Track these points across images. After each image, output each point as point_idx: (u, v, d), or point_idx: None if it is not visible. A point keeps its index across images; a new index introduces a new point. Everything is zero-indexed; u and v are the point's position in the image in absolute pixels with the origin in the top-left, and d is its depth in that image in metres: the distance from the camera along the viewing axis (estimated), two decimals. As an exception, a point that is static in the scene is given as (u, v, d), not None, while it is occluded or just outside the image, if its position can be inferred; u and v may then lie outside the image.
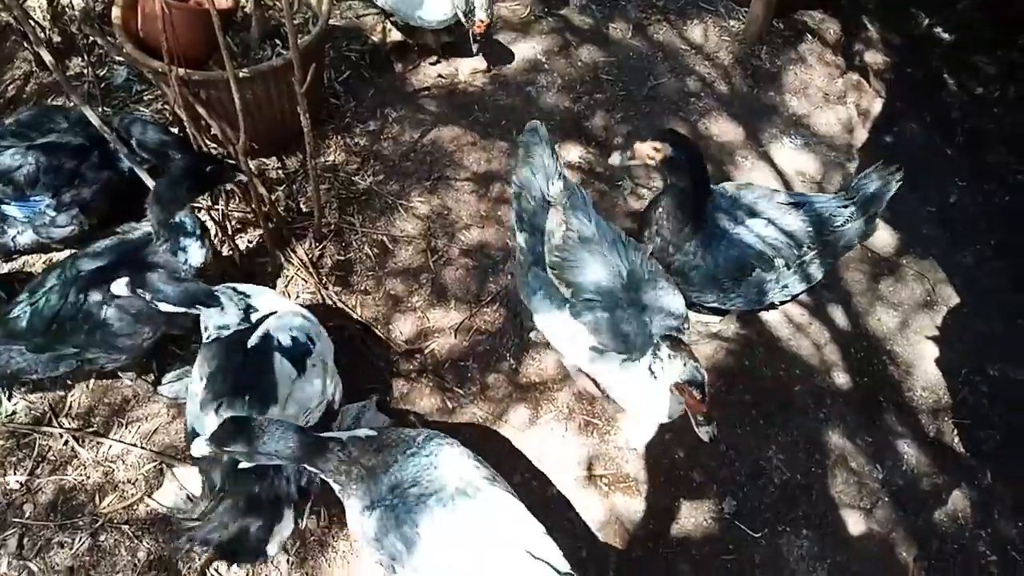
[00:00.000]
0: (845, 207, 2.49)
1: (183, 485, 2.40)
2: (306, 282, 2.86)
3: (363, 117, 3.40)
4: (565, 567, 1.84)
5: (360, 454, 1.87)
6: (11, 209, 2.61)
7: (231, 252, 2.85)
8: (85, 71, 3.35)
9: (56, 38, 3.42)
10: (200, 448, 1.74)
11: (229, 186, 2.84)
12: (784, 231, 2.41)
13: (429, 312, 2.87)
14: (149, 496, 2.38)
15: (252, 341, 2.08)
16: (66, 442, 2.49)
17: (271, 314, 2.18)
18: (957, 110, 3.79)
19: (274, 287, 2.85)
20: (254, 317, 2.18)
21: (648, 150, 2.28)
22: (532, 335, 2.81)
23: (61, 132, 2.61)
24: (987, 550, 2.48)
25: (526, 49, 3.76)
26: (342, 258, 2.96)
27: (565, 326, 2.28)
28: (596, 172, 3.31)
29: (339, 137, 3.31)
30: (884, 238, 3.23)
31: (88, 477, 2.43)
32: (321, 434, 1.88)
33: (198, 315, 2.57)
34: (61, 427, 2.51)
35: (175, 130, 2.81)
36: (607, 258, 2.23)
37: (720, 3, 4.07)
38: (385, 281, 2.92)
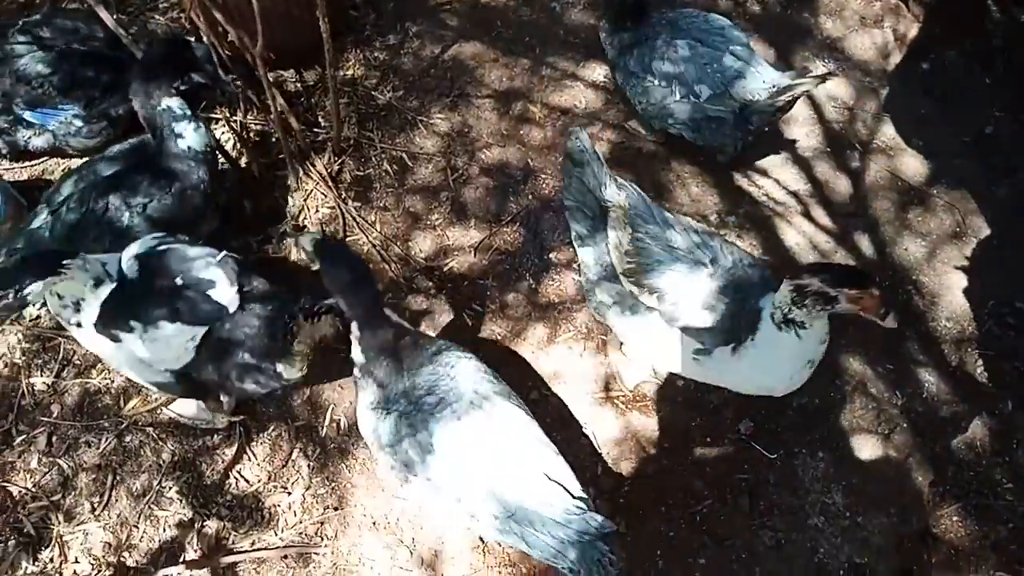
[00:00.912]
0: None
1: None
2: (325, 196, 2.83)
3: (383, 30, 3.30)
4: (578, 490, 1.84)
5: (393, 344, 1.92)
6: (32, 116, 2.59)
7: (250, 163, 2.81)
8: (99, -23, 3.26)
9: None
10: (307, 241, 2.01)
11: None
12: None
13: (448, 230, 2.84)
14: (167, 407, 2.42)
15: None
16: (90, 347, 2.52)
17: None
18: (999, 38, 3.62)
19: (293, 201, 2.83)
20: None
21: None
22: (552, 255, 2.78)
23: (97, 42, 2.57)
24: (1004, 478, 2.48)
25: (552, -36, 3.62)
26: (361, 174, 2.92)
27: (659, 335, 2.15)
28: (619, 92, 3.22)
29: (358, 50, 3.23)
30: (915, 166, 3.14)
31: (112, 381, 2.47)
32: None
33: (217, 225, 2.59)
34: (84, 332, 2.54)
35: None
36: (684, 251, 2.11)
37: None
38: (404, 198, 2.89)
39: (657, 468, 2.41)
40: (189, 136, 2.33)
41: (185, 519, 2.27)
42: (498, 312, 2.67)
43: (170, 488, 2.33)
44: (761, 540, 2.33)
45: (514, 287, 2.73)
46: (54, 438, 2.37)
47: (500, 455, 1.86)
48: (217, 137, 2.75)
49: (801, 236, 2.90)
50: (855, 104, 3.30)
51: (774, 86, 2.53)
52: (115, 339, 1.98)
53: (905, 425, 2.55)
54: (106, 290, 1.97)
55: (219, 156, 2.64)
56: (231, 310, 2.03)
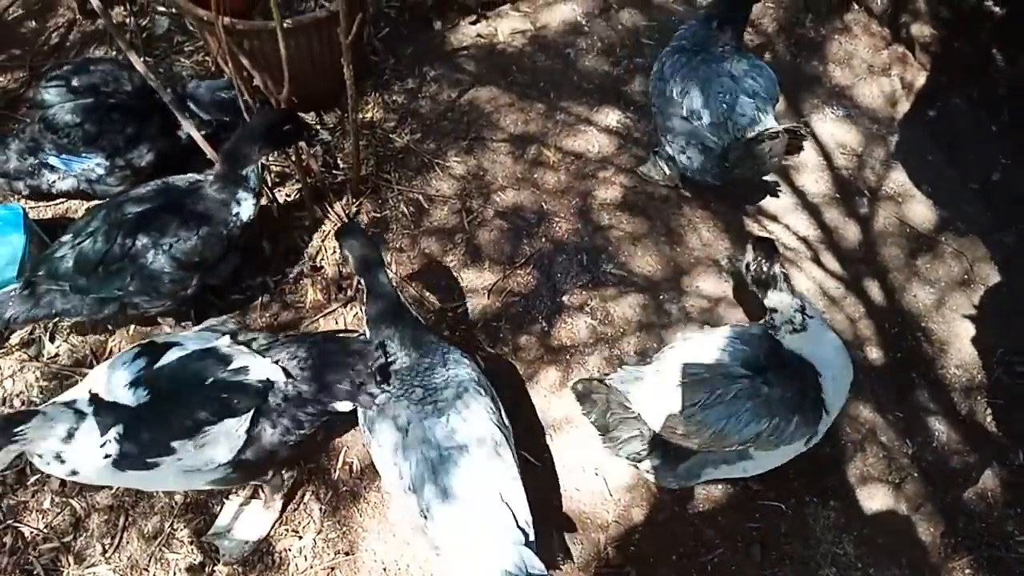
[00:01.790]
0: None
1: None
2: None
3: (402, 75, 3.38)
4: (526, 518, 1.91)
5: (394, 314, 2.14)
6: (57, 161, 2.65)
7: (270, 203, 2.87)
8: (127, 20, 3.35)
9: (97, -14, 3.42)
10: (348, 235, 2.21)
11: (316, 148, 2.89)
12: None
13: (463, 272, 2.88)
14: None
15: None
16: (107, 385, 2.54)
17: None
18: (1004, 87, 3.68)
19: (311, 241, 2.87)
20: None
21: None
22: (565, 299, 2.81)
23: (124, 94, 2.64)
24: (1016, 530, 2.48)
25: (566, 11, 3.71)
26: (378, 215, 2.97)
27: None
28: (634, 137, 3.28)
29: (377, 94, 3.30)
30: (923, 213, 3.18)
31: (128, 420, 2.48)
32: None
33: (238, 263, 2.63)
34: (102, 370, 2.57)
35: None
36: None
37: (766, -33, 3.98)
38: (420, 239, 2.93)
39: (668, 516, 2.42)
40: (244, 208, 2.42)
41: (195, 563, 2.27)
42: (511, 354, 2.70)
43: (181, 530, 2.33)
44: (773, 590, 2.33)
45: (527, 330, 2.76)
46: (69, 477, 2.39)
47: (466, 461, 1.94)
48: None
49: (811, 282, 2.93)
50: (864, 151, 3.35)
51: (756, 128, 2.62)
52: (150, 467, 1.85)
53: (916, 474, 2.55)
54: (89, 428, 1.79)
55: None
56: (276, 378, 1.97)
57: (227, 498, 2.35)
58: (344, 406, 2.05)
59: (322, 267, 2.82)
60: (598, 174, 3.15)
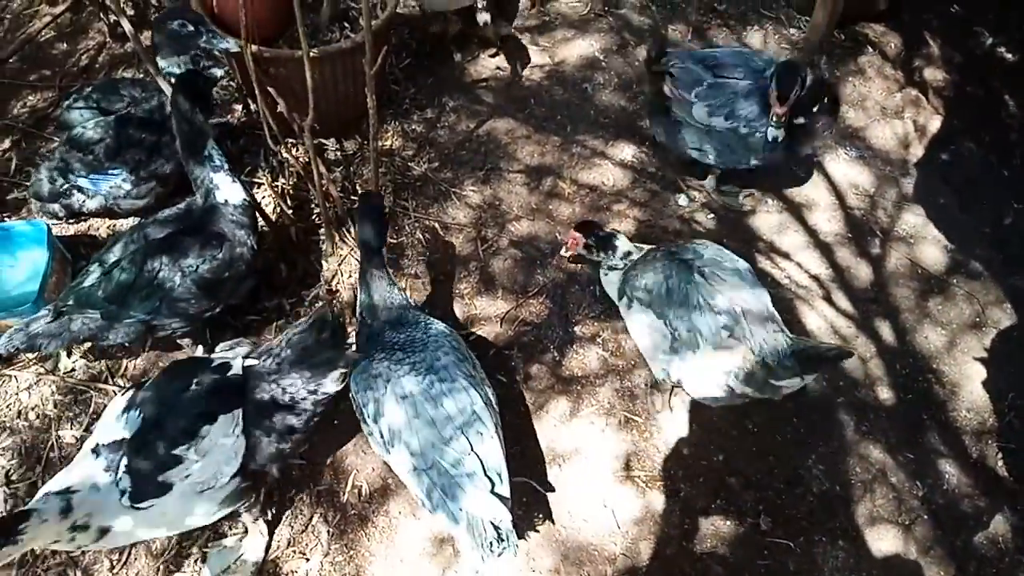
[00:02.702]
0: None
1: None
2: (359, 262, 2.91)
3: (421, 104, 3.45)
4: (498, 467, 2.00)
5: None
6: (86, 182, 2.70)
7: (287, 227, 2.91)
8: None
9: (130, 11, 3.51)
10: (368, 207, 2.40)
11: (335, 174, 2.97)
12: None
13: (476, 300, 2.90)
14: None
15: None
16: (121, 401, 2.57)
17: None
18: (1016, 132, 3.73)
19: (328, 265, 2.91)
20: None
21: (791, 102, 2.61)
22: (577, 329, 2.83)
23: (148, 111, 2.70)
24: (1026, 576, 2.46)
25: (584, 46, 3.78)
26: (394, 241, 3.01)
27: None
28: (648, 172, 3.32)
29: (397, 123, 3.36)
30: (935, 255, 3.20)
31: (141, 436, 2.50)
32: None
33: (255, 284, 2.66)
34: (117, 386, 2.59)
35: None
36: None
37: (781, 11, 4.06)
38: (435, 266, 2.97)
39: (676, 551, 2.41)
40: (225, 188, 2.41)
41: (203, 580, 2.27)
42: (522, 383, 2.71)
43: (189, 547, 2.34)
44: (780, 630, 2.31)
45: (538, 359, 2.77)
46: (81, 491, 2.40)
47: (447, 422, 2.04)
48: (258, 200, 2.84)
49: (822, 320, 2.94)
50: (876, 192, 3.38)
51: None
52: (165, 489, 1.86)
53: (926, 517, 2.54)
54: (100, 473, 1.81)
55: (259, 219, 2.73)
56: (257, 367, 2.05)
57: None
58: (334, 385, 2.07)
59: (338, 291, 2.85)
60: (612, 207, 3.19)
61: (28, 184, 2.85)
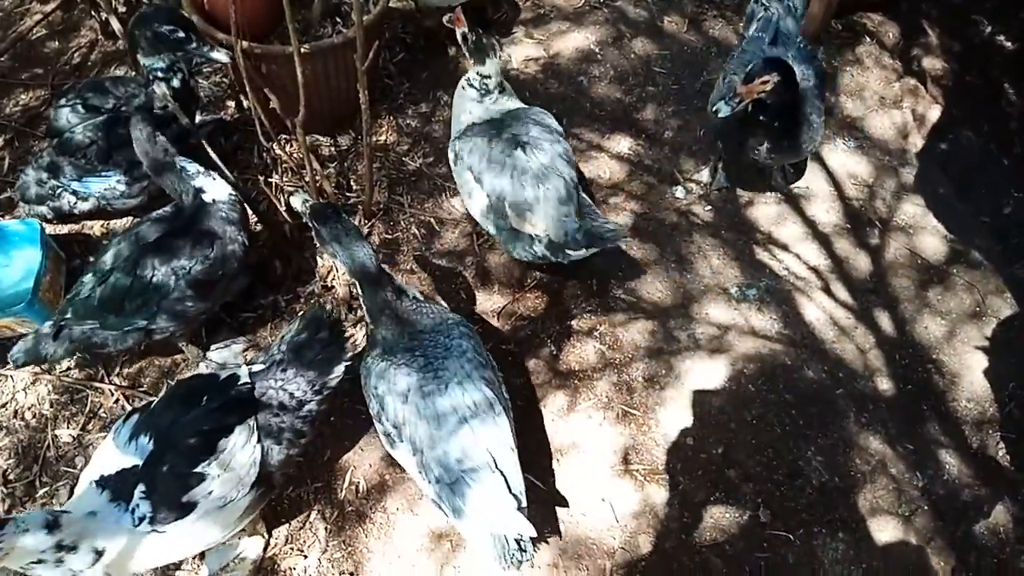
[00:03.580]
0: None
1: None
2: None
3: (415, 99, 3.43)
4: (519, 487, 1.97)
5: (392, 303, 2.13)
6: (77, 185, 2.68)
7: (281, 224, 2.89)
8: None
9: (121, 8, 3.49)
10: (298, 201, 2.21)
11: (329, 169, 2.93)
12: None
13: (472, 294, 2.89)
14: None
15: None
16: (116, 400, 2.56)
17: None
18: (1015, 120, 3.70)
19: (323, 261, 2.89)
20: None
21: (757, 87, 2.54)
22: (573, 323, 2.82)
23: (138, 108, 2.67)
24: (1027, 566, 2.45)
25: (579, 39, 3.76)
26: (389, 237, 3.00)
27: None
28: (645, 164, 3.30)
29: (391, 118, 3.34)
30: (934, 245, 3.18)
31: (137, 435, 2.49)
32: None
33: (249, 282, 2.65)
34: (113, 384, 2.59)
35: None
36: None
37: (778, 1, 4.02)
38: (431, 261, 2.95)
39: (675, 544, 2.40)
40: (210, 188, 2.40)
41: (201, 579, 2.27)
42: (519, 377, 2.70)
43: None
44: (780, 623, 2.30)
45: (536, 353, 2.76)
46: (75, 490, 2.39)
47: (464, 430, 1.99)
48: (251, 196, 2.83)
49: (821, 311, 2.92)
50: (875, 182, 3.36)
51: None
52: (188, 509, 1.82)
53: (926, 507, 2.52)
54: (109, 509, 1.76)
55: (250, 214, 2.72)
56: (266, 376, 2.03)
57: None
58: (336, 380, 2.10)
59: (333, 287, 2.84)
60: (609, 200, 3.17)
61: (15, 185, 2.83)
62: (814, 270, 3.04)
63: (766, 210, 3.21)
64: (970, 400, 2.78)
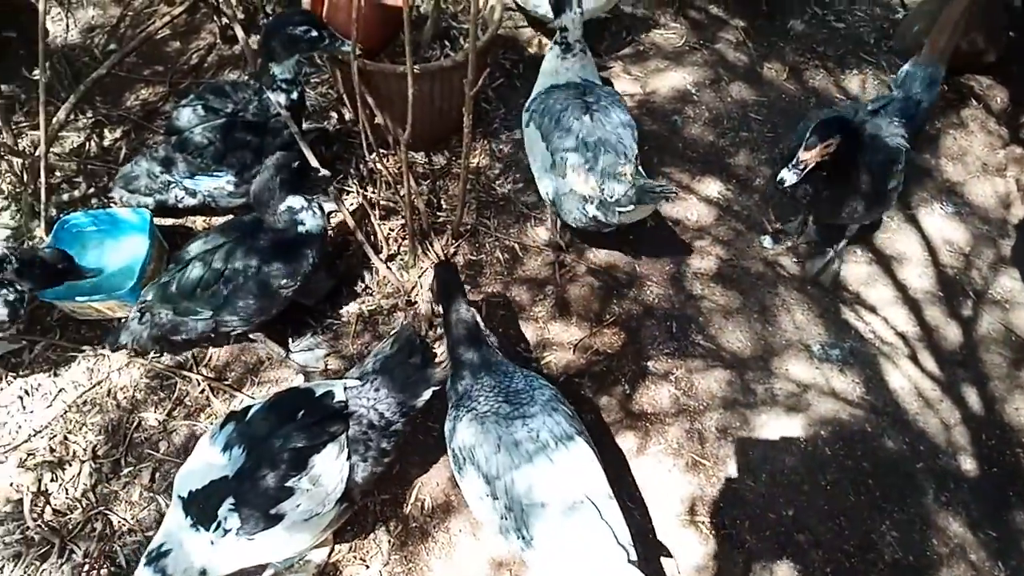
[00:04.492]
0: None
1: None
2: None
3: (510, 125, 3.48)
4: (626, 538, 1.90)
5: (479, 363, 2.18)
6: (189, 182, 2.82)
7: (374, 237, 2.97)
8: (261, 48, 3.57)
9: (240, 15, 3.66)
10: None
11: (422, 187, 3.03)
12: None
13: (550, 324, 2.90)
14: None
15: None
16: (203, 390, 2.65)
17: None
18: None
19: (408, 276, 2.95)
20: None
21: (819, 151, 2.49)
22: (650, 364, 2.80)
23: (253, 113, 2.79)
24: (1112, 676, 2.31)
25: (676, 78, 3.76)
26: (473, 258, 3.04)
27: None
28: (733, 210, 3.27)
29: (485, 141, 3.40)
30: (1032, 324, 3.05)
31: (218, 427, 2.58)
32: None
33: (333, 286, 2.73)
34: (200, 375, 2.68)
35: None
36: None
37: (882, 56, 3.96)
38: (511, 287, 2.98)
39: (737, 603, 2.35)
40: (309, 222, 2.50)
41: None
42: (589, 413, 2.69)
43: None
44: None
45: (609, 390, 2.75)
46: (157, 474, 2.49)
47: (561, 489, 1.94)
48: (346, 207, 2.91)
49: (906, 380, 2.83)
50: (972, 251, 3.25)
51: None
52: (275, 520, 1.89)
53: (1006, 600, 2.41)
54: (190, 531, 1.87)
55: (329, 230, 2.79)
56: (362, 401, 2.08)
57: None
58: (425, 396, 2.14)
59: (416, 303, 2.89)
60: (695, 243, 3.15)
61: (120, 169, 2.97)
62: (901, 336, 2.96)
63: (856, 269, 3.14)
64: (1060, 491, 2.65)
